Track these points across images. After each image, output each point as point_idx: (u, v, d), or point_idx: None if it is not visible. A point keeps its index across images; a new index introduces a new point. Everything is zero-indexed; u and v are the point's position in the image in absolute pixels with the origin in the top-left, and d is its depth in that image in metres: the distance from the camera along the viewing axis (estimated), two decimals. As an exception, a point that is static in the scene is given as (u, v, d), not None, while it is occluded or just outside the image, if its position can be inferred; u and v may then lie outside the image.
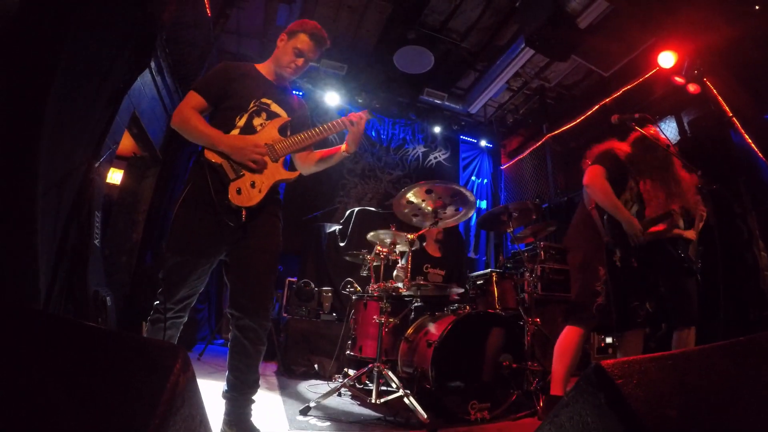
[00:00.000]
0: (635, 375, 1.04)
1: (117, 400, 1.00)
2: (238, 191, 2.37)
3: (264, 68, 2.74)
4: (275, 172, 2.50)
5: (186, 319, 2.51)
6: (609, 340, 5.15)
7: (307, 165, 2.78)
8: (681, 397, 1.06)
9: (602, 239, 3.12)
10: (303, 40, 2.67)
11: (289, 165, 2.65)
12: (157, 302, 2.40)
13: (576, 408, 1.12)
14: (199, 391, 1.28)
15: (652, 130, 3.38)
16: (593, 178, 3.24)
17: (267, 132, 2.53)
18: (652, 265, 3.18)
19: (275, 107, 2.62)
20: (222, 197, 2.35)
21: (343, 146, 2.68)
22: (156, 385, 1.03)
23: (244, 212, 2.37)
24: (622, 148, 3.45)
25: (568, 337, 3.24)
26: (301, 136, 2.58)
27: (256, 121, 2.53)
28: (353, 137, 2.65)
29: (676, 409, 1.02)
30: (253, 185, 2.42)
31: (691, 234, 4.66)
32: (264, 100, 2.59)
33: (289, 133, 2.62)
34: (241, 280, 2.46)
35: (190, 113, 2.44)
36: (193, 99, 2.48)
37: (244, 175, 2.40)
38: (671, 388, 1.06)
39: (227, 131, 2.47)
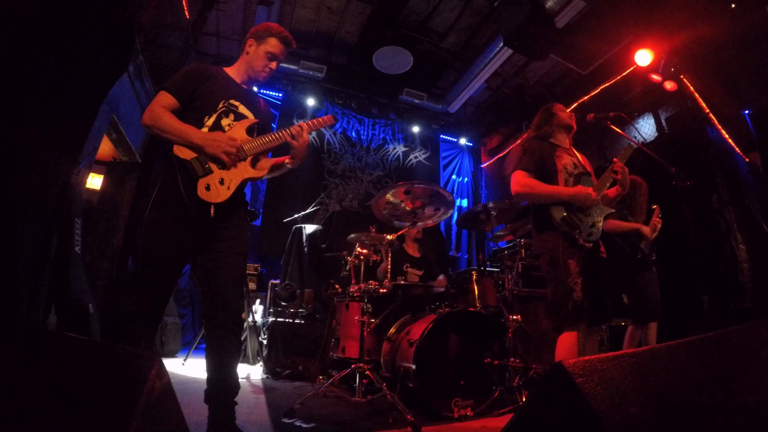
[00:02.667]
0: (596, 373, 1.05)
1: (94, 407, 1.02)
2: (207, 187, 2.39)
3: (232, 71, 2.77)
4: (243, 171, 2.52)
5: (161, 320, 2.52)
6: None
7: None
8: (643, 394, 1.07)
9: (561, 231, 3.06)
10: (274, 44, 2.72)
11: (257, 165, 2.65)
12: (133, 306, 2.38)
13: (540, 406, 1.15)
14: (175, 397, 1.29)
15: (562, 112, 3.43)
16: (515, 185, 3.19)
17: (235, 132, 2.55)
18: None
19: (243, 109, 2.64)
20: (191, 193, 2.36)
21: (287, 159, 2.72)
22: (132, 392, 1.05)
23: (212, 209, 2.40)
24: (529, 134, 3.47)
25: (562, 347, 3.02)
26: (269, 137, 2.61)
27: (224, 122, 2.55)
28: (295, 152, 2.68)
29: (638, 406, 1.04)
30: (221, 182, 2.43)
31: (646, 229, 4.72)
32: (232, 101, 2.61)
33: (255, 135, 2.64)
34: (212, 285, 2.47)
35: (161, 111, 2.44)
36: (164, 98, 2.48)
37: (212, 171, 2.42)
38: (634, 386, 1.08)
39: None
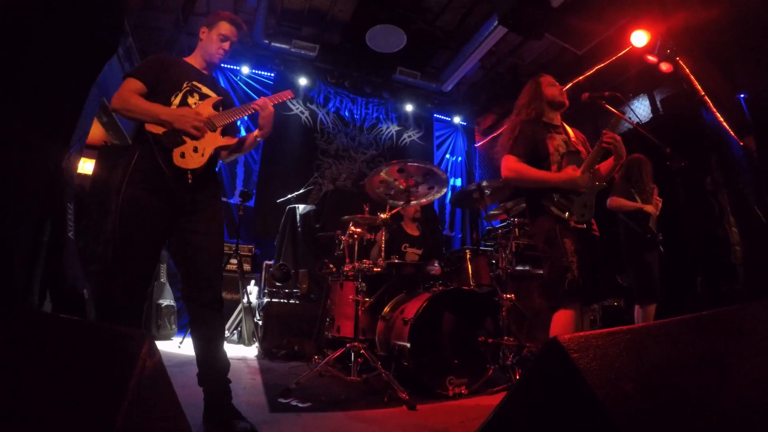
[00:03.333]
0: (591, 349, 1.06)
1: (86, 387, 1.03)
2: (182, 155, 2.48)
3: (192, 60, 2.88)
4: (215, 139, 2.63)
5: (146, 303, 2.57)
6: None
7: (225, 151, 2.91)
8: (638, 371, 1.08)
9: (553, 214, 3.04)
10: (224, 26, 2.83)
11: (226, 136, 2.76)
12: (116, 291, 2.42)
13: (535, 381, 1.15)
14: (167, 375, 1.30)
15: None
16: (505, 170, 3.18)
17: (202, 108, 2.65)
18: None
19: (206, 90, 2.76)
20: (168, 162, 2.43)
21: (256, 131, 2.84)
22: (124, 371, 1.06)
23: (189, 175, 2.48)
24: (518, 114, 3.44)
25: (557, 324, 2.99)
26: (235, 110, 2.76)
27: (190, 100, 2.66)
28: (263, 121, 2.78)
29: (633, 382, 1.04)
30: (195, 150, 2.53)
31: (650, 208, 4.73)
32: (195, 83, 2.72)
33: (221, 110, 2.75)
34: (191, 267, 2.54)
35: (128, 94, 2.51)
36: (131, 84, 2.55)
37: (185, 142, 2.51)
38: (628, 363, 1.08)
39: None
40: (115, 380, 1.04)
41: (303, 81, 8.65)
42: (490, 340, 3.91)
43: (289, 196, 7.38)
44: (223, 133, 2.73)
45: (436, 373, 3.62)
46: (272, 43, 7.90)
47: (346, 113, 9.34)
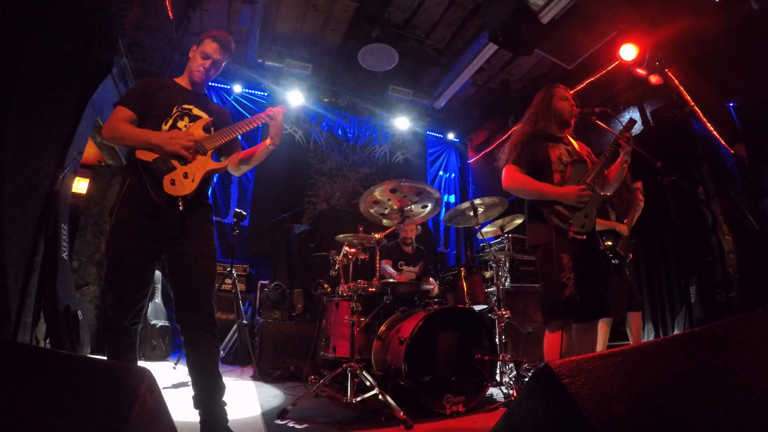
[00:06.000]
0: (582, 374, 1.07)
1: (86, 424, 1.03)
2: (172, 182, 2.49)
3: (181, 80, 2.89)
4: (206, 164, 2.62)
5: (141, 324, 2.59)
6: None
7: (234, 165, 2.91)
8: (630, 393, 1.09)
9: (552, 224, 2.99)
10: (208, 44, 2.83)
11: (219, 158, 2.79)
12: (110, 313, 2.47)
13: (527, 406, 1.15)
14: (167, 410, 1.31)
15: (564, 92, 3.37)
16: (506, 180, 3.17)
17: (192, 131, 2.65)
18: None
19: (196, 111, 2.75)
20: (158, 191, 2.44)
21: (267, 140, 2.85)
22: (124, 407, 1.06)
23: (180, 202, 2.48)
24: (526, 124, 3.37)
25: (550, 344, 2.98)
26: (225, 130, 2.73)
27: (180, 124, 2.66)
28: (274, 131, 2.82)
29: (624, 404, 1.05)
30: (186, 176, 2.53)
31: (623, 227, 4.71)
32: (185, 105, 2.72)
33: (212, 131, 2.74)
34: (184, 290, 2.53)
35: (118, 122, 2.54)
36: (120, 112, 2.58)
37: (175, 168, 2.51)
38: (620, 385, 1.09)
39: None
40: (115, 417, 1.04)
41: (295, 99, 8.67)
42: (486, 358, 3.90)
43: (284, 215, 7.37)
44: (219, 154, 2.75)
45: (433, 391, 3.61)
46: (265, 62, 7.93)
47: (339, 132, 9.37)
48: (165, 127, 2.60)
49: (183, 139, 2.52)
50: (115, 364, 1.16)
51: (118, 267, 2.42)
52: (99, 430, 1.02)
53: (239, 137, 2.84)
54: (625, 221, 4.76)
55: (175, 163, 2.51)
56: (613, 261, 4.59)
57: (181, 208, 2.48)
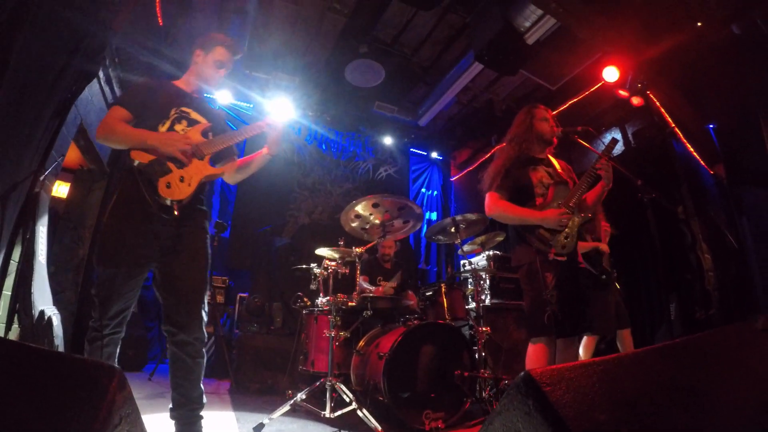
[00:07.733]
0: (563, 382, 1.06)
1: (55, 419, 1.01)
2: (168, 185, 2.43)
3: (182, 83, 2.84)
4: (203, 168, 2.58)
5: (123, 333, 2.53)
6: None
7: (230, 173, 2.89)
8: (612, 401, 1.08)
9: (534, 246, 3.06)
10: (221, 53, 2.82)
11: (216, 164, 2.76)
12: (93, 320, 2.40)
13: (508, 415, 1.14)
14: (137, 409, 1.28)
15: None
16: (489, 207, 3.22)
17: (191, 134, 2.60)
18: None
19: (195, 115, 2.71)
20: (152, 194, 2.39)
21: (265, 149, 2.84)
22: (93, 403, 1.05)
23: (175, 206, 2.43)
24: (508, 153, 3.40)
25: (533, 355, 3.02)
26: (224, 136, 2.70)
27: (178, 127, 2.61)
28: (273, 139, 2.82)
29: (606, 413, 1.05)
30: (182, 180, 2.48)
31: (604, 246, 4.81)
32: (183, 108, 2.68)
33: (211, 137, 2.69)
34: (174, 296, 2.48)
35: (114, 122, 2.49)
36: (117, 112, 2.53)
37: (171, 171, 2.46)
38: (602, 393, 1.09)
39: None
40: (83, 414, 1.02)
41: (282, 112, 8.63)
42: (466, 374, 3.89)
43: (265, 228, 7.33)
44: (215, 160, 2.72)
45: (412, 407, 3.58)
46: (252, 73, 7.92)
47: (323, 146, 9.34)
48: (162, 129, 2.56)
49: (180, 142, 2.47)
50: (85, 360, 1.14)
51: (108, 274, 2.37)
52: (67, 425, 1.00)
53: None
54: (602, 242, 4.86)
55: (171, 165, 2.46)
56: (602, 277, 4.65)
57: (176, 212, 2.43)
